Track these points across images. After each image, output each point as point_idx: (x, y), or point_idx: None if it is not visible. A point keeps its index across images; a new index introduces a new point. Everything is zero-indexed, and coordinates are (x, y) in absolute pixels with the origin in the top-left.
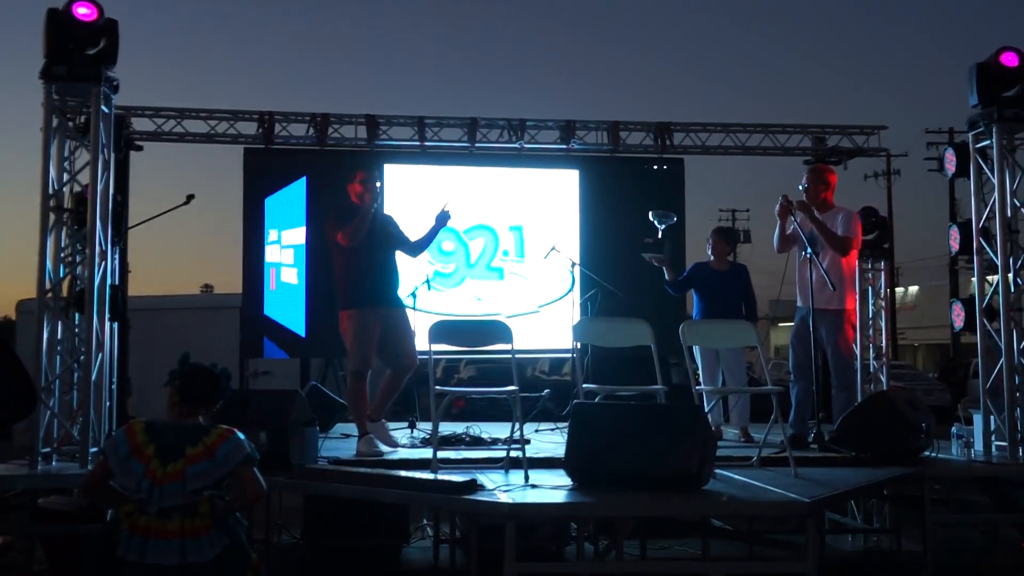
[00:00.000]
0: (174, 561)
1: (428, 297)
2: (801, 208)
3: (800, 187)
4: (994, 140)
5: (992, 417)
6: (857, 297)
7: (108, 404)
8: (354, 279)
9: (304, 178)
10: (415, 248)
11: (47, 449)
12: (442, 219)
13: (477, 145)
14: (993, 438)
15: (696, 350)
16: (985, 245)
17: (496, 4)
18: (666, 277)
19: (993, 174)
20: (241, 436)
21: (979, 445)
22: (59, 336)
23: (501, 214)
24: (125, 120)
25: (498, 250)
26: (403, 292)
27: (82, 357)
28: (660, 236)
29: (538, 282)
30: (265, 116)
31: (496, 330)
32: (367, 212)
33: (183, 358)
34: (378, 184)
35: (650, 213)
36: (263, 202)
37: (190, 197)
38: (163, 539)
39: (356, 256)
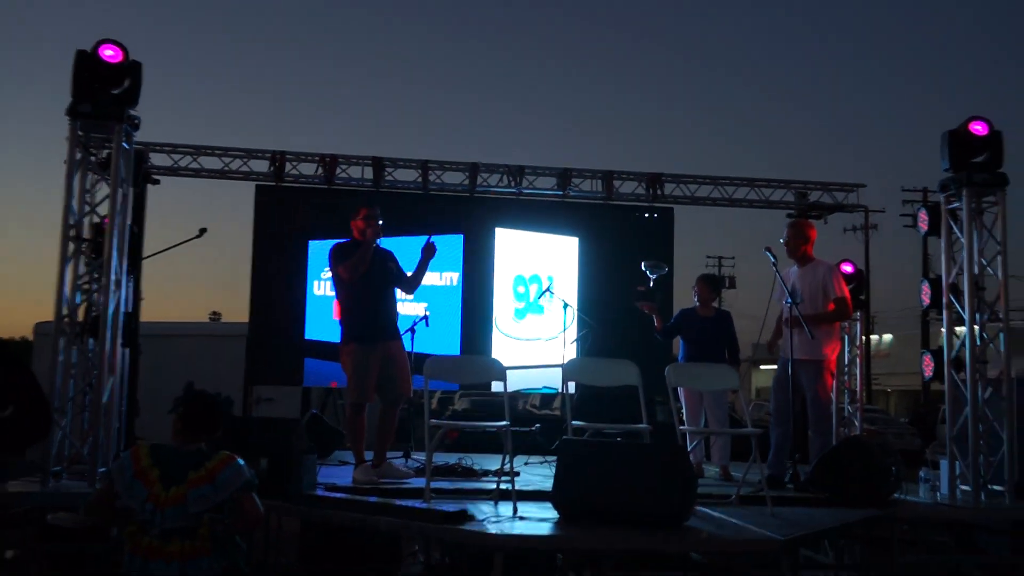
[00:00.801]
0: None
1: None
2: (795, 325)
3: (781, 240)
4: (964, 203)
5: (957, 462)
6: (838, 347)
7: (117, 425)
8: (354, 314)
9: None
10: (410, 284)
11: (58, 468)
12: (428, 252)
13: (477, 190)
14: (958, 482)
15: (680, 391)
16: (954, 300)
17: (499, 53)
18: (655, 324)
19: (963, 234)
20: (241, 462)
21: (944, 488)
22: (73, 359)
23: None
24: (144, 155)
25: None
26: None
27: (94, 380)
28: (652, 285)
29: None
30: (277, 155)
31: (488, 368)
32: (368, 247)
33: (187, 387)
34: (380, 221)
35: (643, 264)
36: (307, 244)
37: (203, 231)
38: (163, 560)
39: (356, 291)
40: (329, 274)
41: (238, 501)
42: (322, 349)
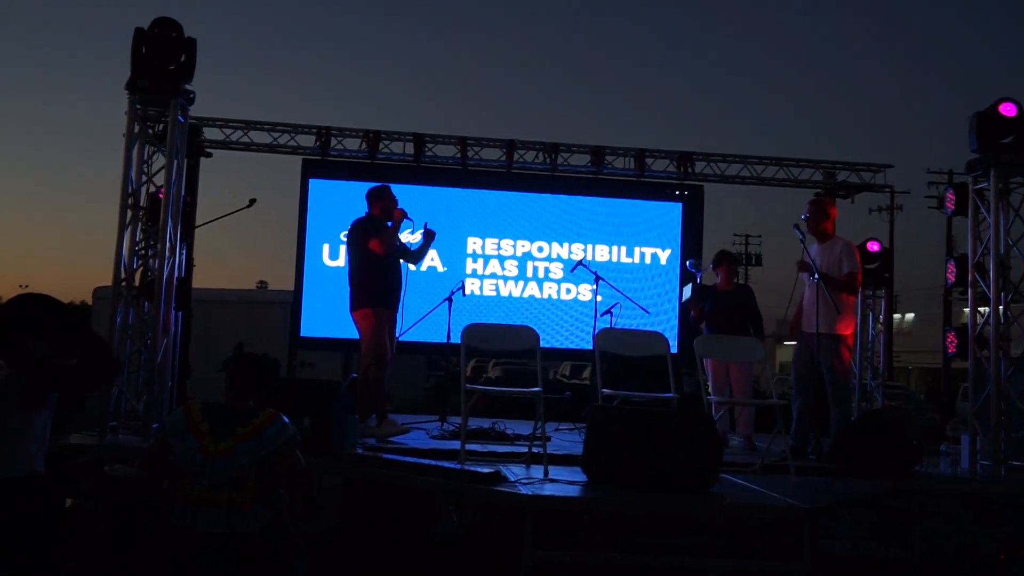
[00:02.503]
0: (221, 530)
1: None
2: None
3: (802, 217)
4: (991, 183)
5: (978, 438)
6: (857, 322)
7: (170, 384)
8: (375, 282)
9: None
10: (414, 258)
11: (114, 422)
12: (429, 236)
13: (514, 166)
14: (979, 457)
15: (707, 362)
16: (979, 279)
17: (535, 33)
18: (691, 314)
19: (989, 214)
20: (286, 419)
21: (965, 463)
22: (130, 321)
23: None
24: (198, 129)
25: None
26: None
27: (149, 341)
28: (699, 281)
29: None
30: (323, 130)
31: (524, 335)
32: (397, 229)
33: (237, 347)
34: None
35: (688, 262)
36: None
37: (252, 201)
38: (211, 509)
39: (379, 261)
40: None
41: (283, 455)
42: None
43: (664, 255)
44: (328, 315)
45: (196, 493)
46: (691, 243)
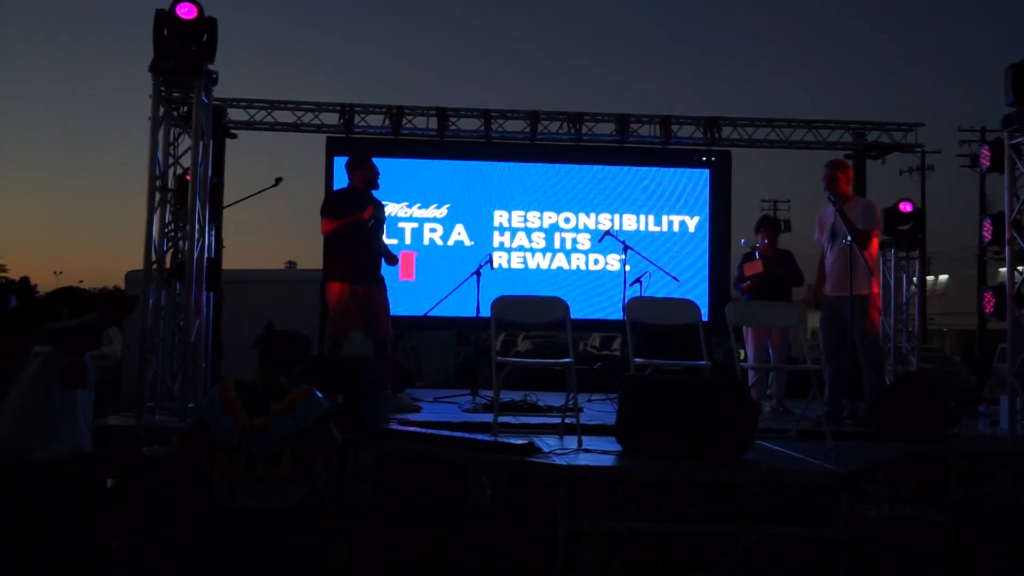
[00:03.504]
0: (259, 505)
1: None
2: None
3: (821, 180)
4: None
5: (1018, 398)
6: (880, 282)
7: (204, 365)
8: (341, 255)
9: None
10: (388, 258)
11: (151, 403)
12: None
13: (539, 137)
14: (1019, 417)
15: (746, 330)
16: (1016, 236)
17: (559, 5)
18: (743, 283)
19: None
20: (319, 394)
21: (1004, 424)
22: (162, 303)
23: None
24: (222, 110)
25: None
26: None
27: (182, 322)
28: (756, 254)
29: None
30: (346, 108)
31: (554, 306)
32: (355, 224)
33: (267, 325)
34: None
35: (742, 240)
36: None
37: (278, 180)
38: (249, 484)
39: (346, 234)
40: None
41: (317, 429)
42: None
43: (692, 223)
44: None
45: (234, 469)
46: (719, 210)
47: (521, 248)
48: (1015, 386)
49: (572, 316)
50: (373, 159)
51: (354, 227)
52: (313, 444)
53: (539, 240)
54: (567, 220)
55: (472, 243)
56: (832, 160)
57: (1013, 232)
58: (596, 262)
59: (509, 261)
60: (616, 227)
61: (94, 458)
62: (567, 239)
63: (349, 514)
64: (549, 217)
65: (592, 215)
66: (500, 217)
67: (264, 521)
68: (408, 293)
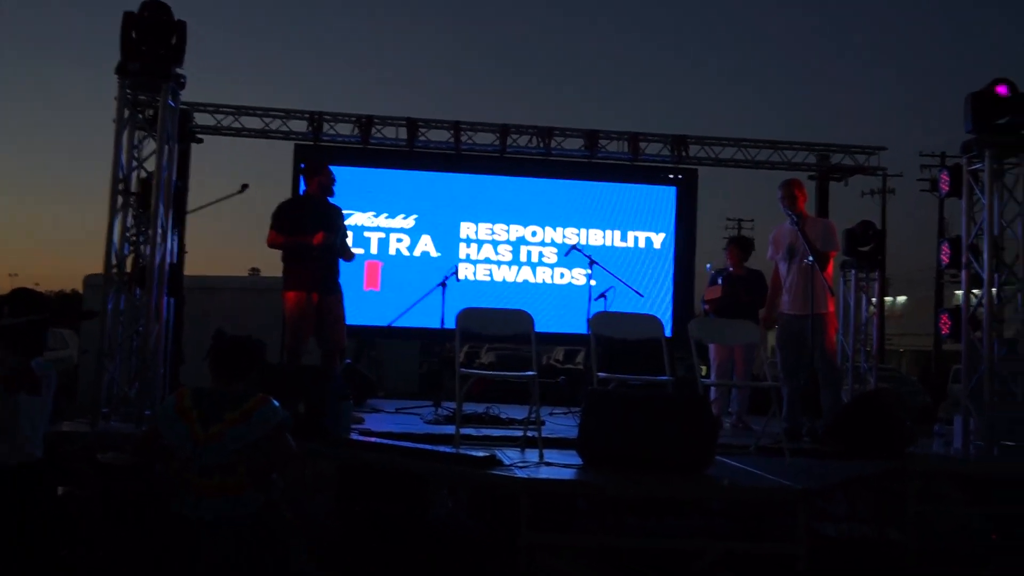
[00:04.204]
0: (213, 514)
1: None
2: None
3: (779, 200)
4: (986, 164)
5: (971, 418)
6: (837, 302)
7: (162, 371)
8: (291, 264)
9: None
10: (340, 254)
11: (106, 409)
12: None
13: (508, 151)
14: (972, 437)
15: (711, 346)
16: (973, 260)
17: (529, 20)
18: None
19: (984, 195)
20: (275, 403)
21: (958, 443)
22: (121, 308)
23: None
24: (188, 115)
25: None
26: None
27: (141, 328)
28: (719, 279)
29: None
30: (315, 115)
31: (518, 319)
32: (302, 246)
33: (216, 333)
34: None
35: (707, 265)
36: None
37: (244, 186)
38: (204, 494)
39: (295, 244)
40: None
41: (273, 439)
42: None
43: (658, 239)
44: None
45: (188, 478)
46: (685, 227)
47: (487, 260)
48: (968, 407)
49: (537, 329)
50: (336, 167)
51: (310, 233)
52: (269, 454)
53: (505, 253)
54: (534, 234)
55: (439, 254)
56: (787, 180)
57: (969, 256)
58: (562, 276)
59: (475, 273)
60: (582, 242)
61: (43, 465)
62: (533, 252)
63: (310, 523)
64: (516, 230)
65: (559, 229)
66: (467, 229)
67: (219, 531)
68: (373, 303)
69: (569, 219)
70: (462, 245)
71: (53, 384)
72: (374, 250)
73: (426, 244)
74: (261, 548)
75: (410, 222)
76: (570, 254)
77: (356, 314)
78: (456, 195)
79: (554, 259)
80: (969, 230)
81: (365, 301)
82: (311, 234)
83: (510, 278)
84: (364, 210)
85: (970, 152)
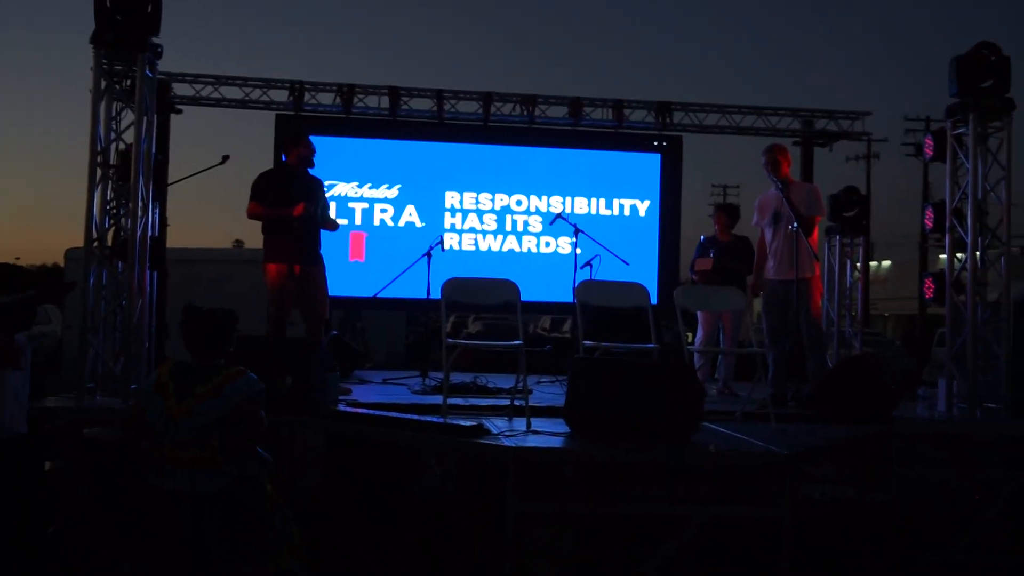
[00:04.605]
0: (188, 488)
1: None
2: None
3: (763, 166)
4: (970, 128)
5: (955, 382)
6: (822, 267)
7: (147, 345)
8: (279, 236)
9: None
10: (322, 225)
11: (92, 384)
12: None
13: (491, 119)
14: (955, 400)
15: (699, 313)
16: (956, 224)
17: None
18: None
19: (967, 159)
20: (251, 376)
21: (942, 406)
22: (104, 282)
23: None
24: (167, 85)
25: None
26: None
27: (124, 302)
28: (711, 252)
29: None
30: (296, 85)
31: (504, 288)
32: (282, 218)
33: (186, 308)
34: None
35: (702, 237)
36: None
37: (225, 158)
38: (179, 468)
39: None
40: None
41: (243, 412)
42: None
43: (643, 207)
44: None
45: (164, 453)
46: (670, 194)
47: (472, 230)
48: (952, 370)
49: (524, 298)
50: (318, 137)
51: (289, 204)
52: (243, 428)
53: (490, 222)
54: (519, 203)
55: (423, 224)
56: (771, 145)
57: (953, 220)
58: (547, 244)
59: (460, 243)
60: (568, 210)
61: (29, 440)
62: (519, 221)
63: (298, 495)
64: (501, 199)
65: (544, 198)
66: (452, 198)
67: (194, 504)
68: (358, 274)
69: (554, 187)
70: (447, 215)
71: (29, 357)
72: (358, 221)
73: (410, 214)
74: (236, 522)
75: (394, 192)
76: (555, 223)
77: (342, 285)
78: (440, 164)
79: (539, 228)
80: (953, 194)
81: (350, 272)
82: (291, 205)
83: (495, 247)
84: (348, 180)
85: (954, 116)
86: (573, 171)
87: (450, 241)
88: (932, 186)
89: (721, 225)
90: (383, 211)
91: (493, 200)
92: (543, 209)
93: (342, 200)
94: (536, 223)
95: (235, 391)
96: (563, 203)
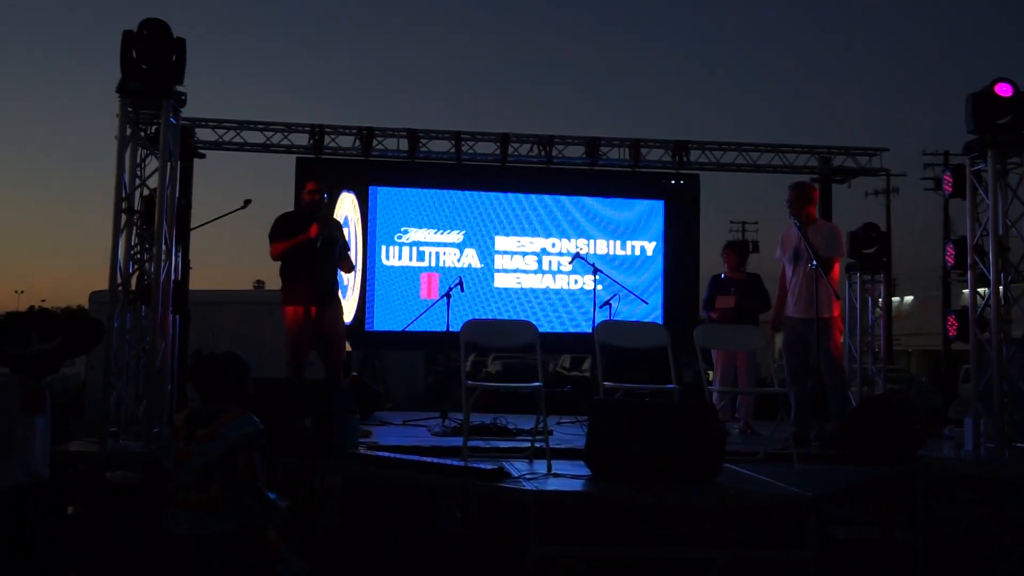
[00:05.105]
0: (190, 532)
1: None
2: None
3: (786, 201)
4: (989, 164)
5: (981, 420)
6: (843, 305)
7: (170, 388)
8: (293, 278)
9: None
10: (340, 265)
11: (115, 428)
12: (348, 269)
13: (509, 159)
14: (983, 439)
15: (713, 352)
16: (978, 261)
17: (526, 25)
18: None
19: (987, 195)
20: (250, 419)
21: (969, 445)
22: (127, 326)
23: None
24: (190, 131)
25: None
26: None
27: (147, 346)
28: (731, 288)
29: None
30: (316, 128)
31: (523, 330)
32: (302, 245)
33: (195, 352)
34: (326, 196)
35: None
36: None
37: (247, 202)
38: (184, 511)
39: (298, 257)
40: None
41: (234, 456)
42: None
43: (650, 247)
44: None
45: (173, 496)
46: (680, 234)
47: (517, 270)
48: (978, 408)
49: (552, 330)
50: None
51: (304, 248)
52: (235, 471)
53: (531, 263)
54: (553, 245)
55: (481, 265)
56: (797, 183)
57: (975, 257)
58: (576, 282)
59: (507, 281)
60: (591, 251)
61: (51, 484)
62: (553, 262)
63: (315, 538)
64: (539, 242)
65: (573, 240)
66: (501, 242)
67: (197, 549)
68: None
69: (577, 231)
70: (496, 256)
71: (50, 401)
72: (432, 263)
73: (470, 256)
74: (233, 568)
75: (459, 236)
76: (574, 262)
77: (418, 321)
78: (493, 212)
79: (569, 267)
80: (974, 230)
81: (422, 308)
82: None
83: (537, 285)
84: (420, 227)
85: (972, 152)
86: (590, 216)
87: (502, 280)
88: (953, 220)
89: (733, 263)
90: (449, 254)
91: (532, 243)
92: (572, 250)
93: (417, 244)
94: (566, 263)
95: (231, 432)
96: (588, 244)
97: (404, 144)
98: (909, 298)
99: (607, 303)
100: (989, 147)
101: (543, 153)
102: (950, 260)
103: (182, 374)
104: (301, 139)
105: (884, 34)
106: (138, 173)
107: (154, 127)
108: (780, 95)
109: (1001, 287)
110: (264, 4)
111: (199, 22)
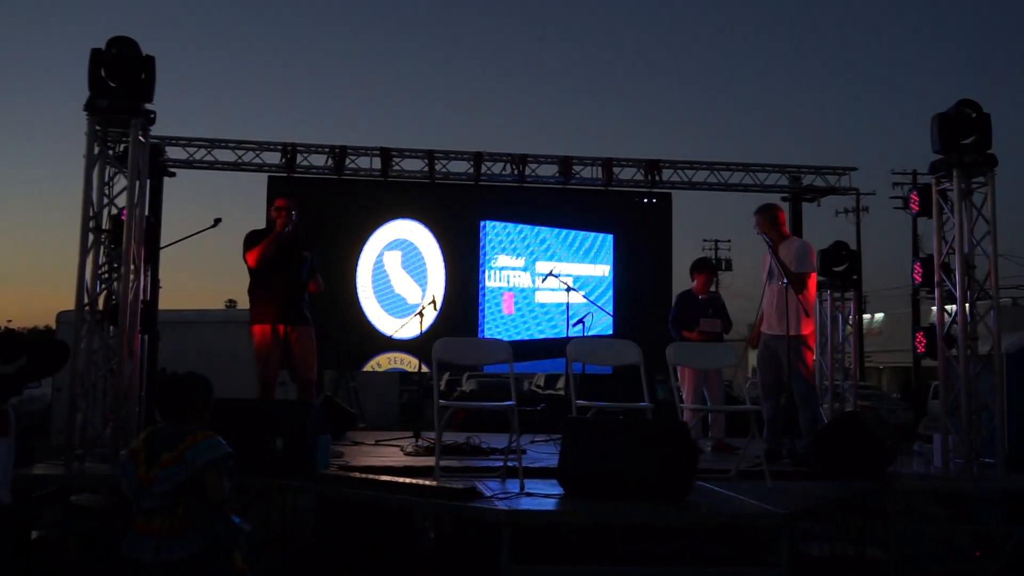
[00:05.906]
0: (148, 557)
1: None
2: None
3: (754, 227)
4: (954, 184)
5: (950, 436)
6: (816, 323)
7: (137, 409)
8: (260, 297)
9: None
10: (310, 283)
11: (80, 451)
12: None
13: (482, 178)
14: (952, 455)
15: (679, 369)
16: (945, 279)
17: (498, 43)
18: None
19: (953, 215)
20: (217, 440)
21: (938, 461)
22: (95, 346)
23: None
24: (160, 149)
25: None
26: None
27: (114, 366)
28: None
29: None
30: (288, 147)
31: (496, 348)
32: (273, 241)
33: (159, 372)
34: (292, 212)
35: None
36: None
37: (217, 220)
38: (145, 535)
39: (264, 276)
40: None
41: (201, 478)
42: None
43: (606, 270)
44: None
45: (137, 521)
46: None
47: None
48: (947, 424)
49: (545, 336)
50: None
51: (272, 265)
52: (201, 493)
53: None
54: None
55: (531, 285)
56: (761, 207)
57: (942, 275)
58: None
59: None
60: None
61: (15, 508)
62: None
63: (288, 558)
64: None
65: (576, 264)
66: (540, 267)
67: (162, 573)
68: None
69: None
70: (537, 279)
71: (15, 424)
72: (509, 283)
73: (529, 278)
74: None
75: (521, 262)
76: (546, 280)
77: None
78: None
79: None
80: (940, 249)
81: (505, 322)
82: (279, 259)
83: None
84: (504, 254)
85: (938, 172)
86: (564, 242)
87: (541, 297)
88: (922, 238)
89: (704, 282)
90: (519, 276)
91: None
92: (575, 272)
93: (502, 268)
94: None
95: (197, 455)
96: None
97: (377, 163)
98: (880, 315)
99: (579, 321)
100: (954, 167)
101: (516, 172)
102: (918, 278)
103: (150, 395)
104: (273, 157)
105: (853, 54)
106: (106, 192)
107: (123, 145)
108: (751, 114)
109: (967, 304)
110: (236, 22)
111: (169, 39)
